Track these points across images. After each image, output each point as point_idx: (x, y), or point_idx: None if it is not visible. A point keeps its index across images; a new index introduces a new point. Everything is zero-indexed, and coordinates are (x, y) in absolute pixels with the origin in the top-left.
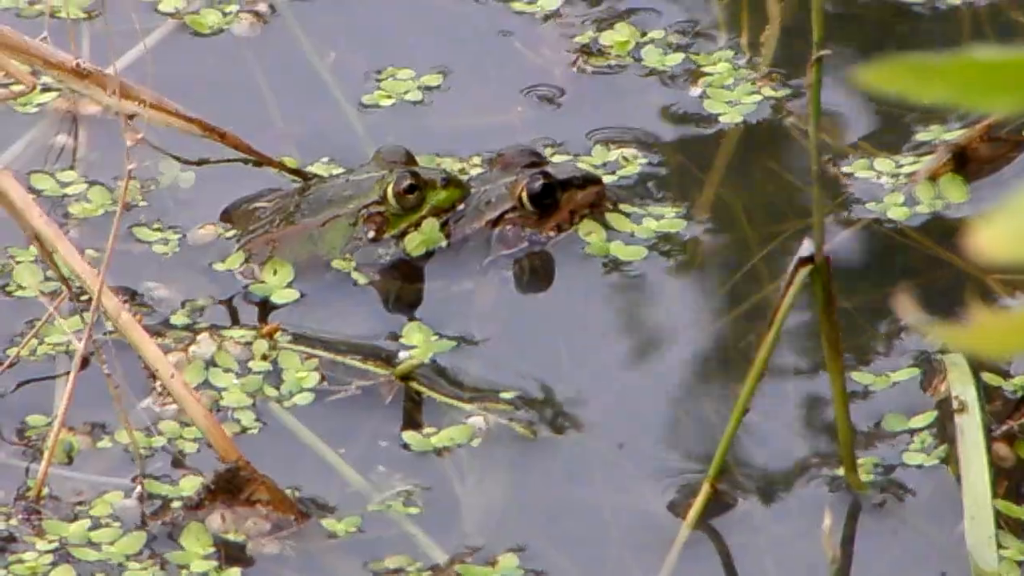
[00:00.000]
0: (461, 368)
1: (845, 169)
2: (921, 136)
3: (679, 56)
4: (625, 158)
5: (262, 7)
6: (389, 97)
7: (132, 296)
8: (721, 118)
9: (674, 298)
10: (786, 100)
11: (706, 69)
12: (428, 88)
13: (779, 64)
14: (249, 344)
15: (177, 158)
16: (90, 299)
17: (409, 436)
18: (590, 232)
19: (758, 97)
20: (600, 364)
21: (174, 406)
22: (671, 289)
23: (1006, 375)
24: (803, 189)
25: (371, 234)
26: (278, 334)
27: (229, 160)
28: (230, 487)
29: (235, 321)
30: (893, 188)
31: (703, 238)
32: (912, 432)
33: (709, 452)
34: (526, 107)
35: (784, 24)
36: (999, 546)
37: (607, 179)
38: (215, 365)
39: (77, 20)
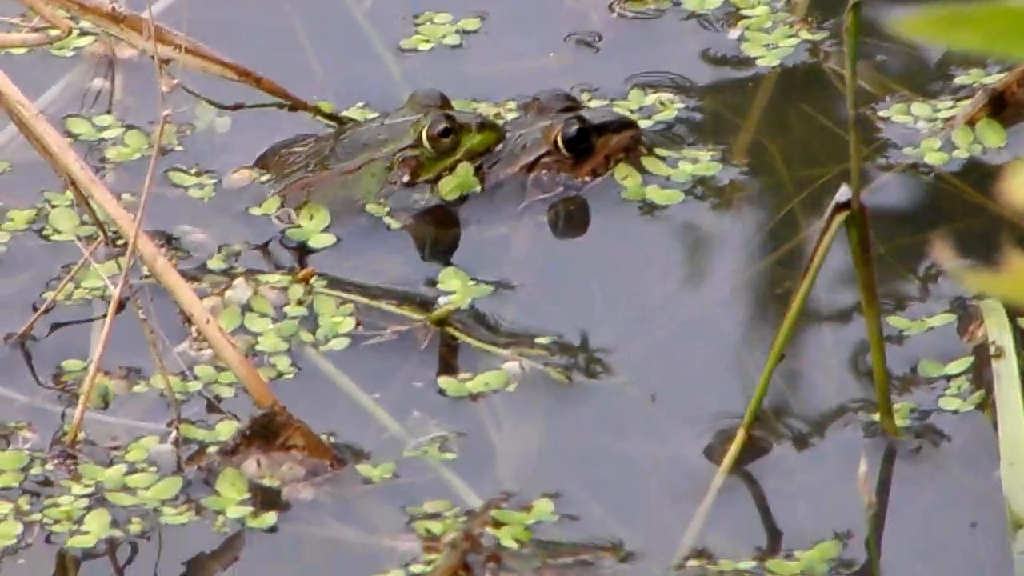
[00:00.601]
0: (497, 313)
1: (882, 114)
2: (959, 80)
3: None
4: (662, 102)
5: None
6: (427, 41)
7: (168, 241)
8: (759, 61)
9: (710, 243)
10: (823, 43)
11: (745, 12)
12: (466, 32)
13: (817, 8)
14: (285, 289)
15: (212, 103)
16: (126, 244)
17: (445, 381)
18: (626, 176)
19: (795, 40)
20: (636, 310)
21: (210, 351)
22: (707, 234)
23: None
24: (840, 134)
25: (406, 178)
26: (314, 279)
27: (265, 105)
28: (266, 432)
29: (271, 266)
30: (930, 133)
31: (740, 182)
32: (948, 378)
33: (745, 398)
34: (563, 53)
35: None
36: None
37: (643, 124)
38: (251, 310)
39: None
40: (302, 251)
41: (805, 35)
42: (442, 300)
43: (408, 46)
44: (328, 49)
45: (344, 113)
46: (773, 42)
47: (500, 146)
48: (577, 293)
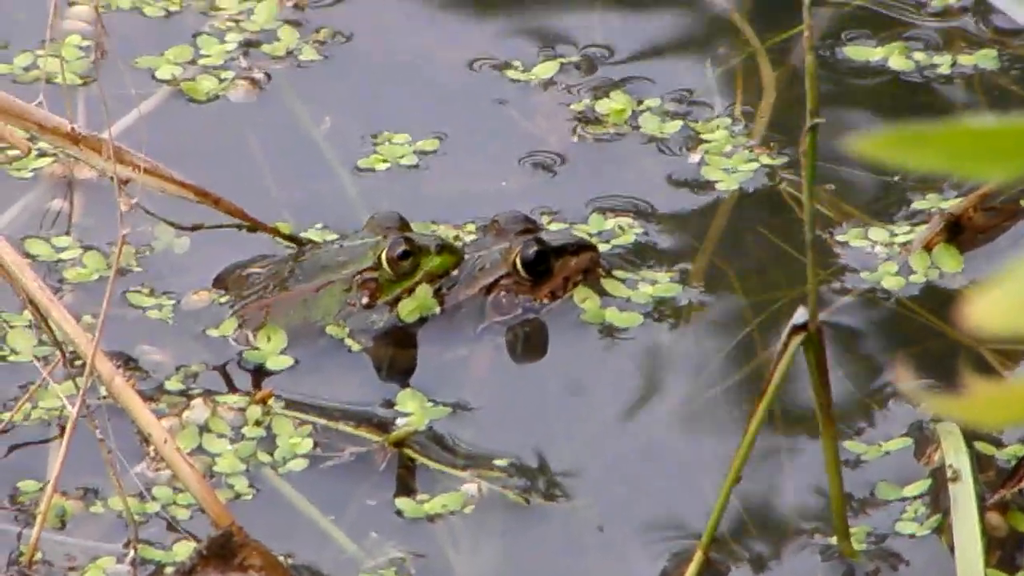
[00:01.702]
0: (455, 435)
1: (840, 238)
2: (916, 205)
3: (677, 124)
4: (621, 227)
5: (257, 74)
6: (384, 161)
7: (126, 361)
8: (718, 185)
9: (669, 365)
10: (782, 168)
11: (704, 136)
12: (424, 153)
13: (776, 131)
14: (243, 410)
15: (171, 223)
16: (84, 364)
17: (402, 503)
18: (585, 299)
19: (754, 165)
20: (594, 431)
21: (167, 471)
22: (666, 356)
23: (999, 444)
24: (798, 257)
25: (365, 300)
26: (271, 400)
27: (223, 225)
28: (223, 553)
29: (229, 387)
30: (887, 257)
31: (698, 304)
32: (905, 501)
33: (703, 520)
34: (521, 176)
35: (780, 91)
36: None
37: (603, 247)
38: (209, 431)
39: (73, 86)
40: (260, 372)
41: (765, 159)
42: (400, 422)
43: (366, 166)
44: (286, 169)
45: (303, 234)
46: (732, 166)
47: (459, 268)
48: (535, 415)
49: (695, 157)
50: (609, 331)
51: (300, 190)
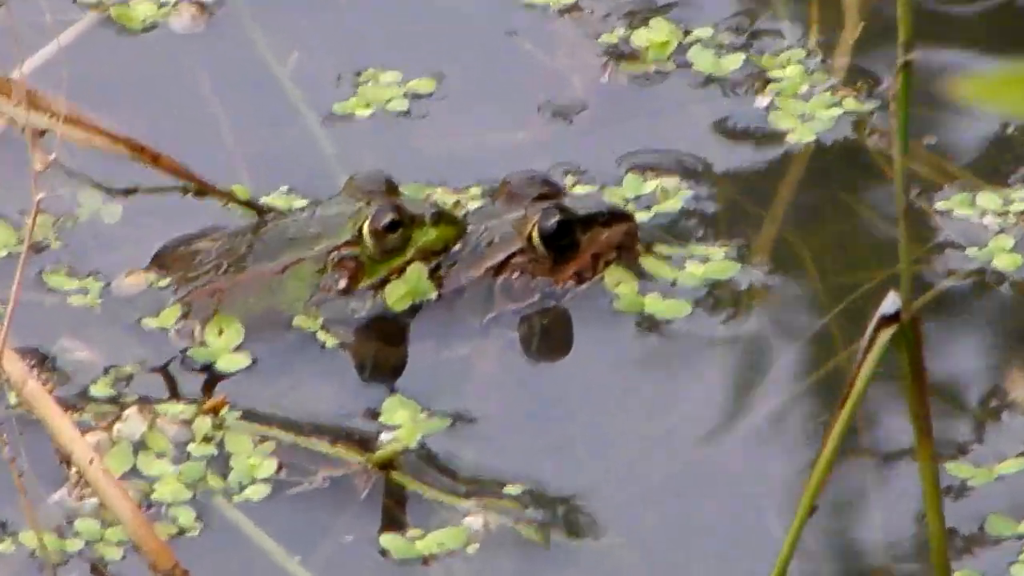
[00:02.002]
0: (455, 455)
1: (941, 205)
2: None
3: (737, 58)
4: (664, 189)
5: None
6: (367, 107)
7: (42, 360)
8: (789, 137)
9: (723, 367)
10: (870, 115)
11: (772, 74)
12: (417, 96)
13: (863, 69)
14: (188, 422)
15: (99, 186)
16: None
17: (388, 540)
18: (619, 282)
19: (836, 111)
20: (629, 451)
21: (94, 500)
22: (719, 355)
23: None
24: (888, 230)
25: (342, 283)
26: (225, 410)
27: (164, 189)
28: None
29: (171, 393)
30: (1001, 229)
31: (762, 289)
32: (1022, 538)
33: (767, 562)
34: (538, 126)
35: (866, 17)
36: None
37: (641, 216)
38: (146, 448)
39: None
40: (210, 374)
41: (849, 104)
42: (386, 437)
43: (343, 112)
44: (243, 118)
45: (264, 200)
46: (808, 112)
47: (461, 243)
48: (556, 429)
49: (761, 101)
50: (649, 323)
51: (261, 144)
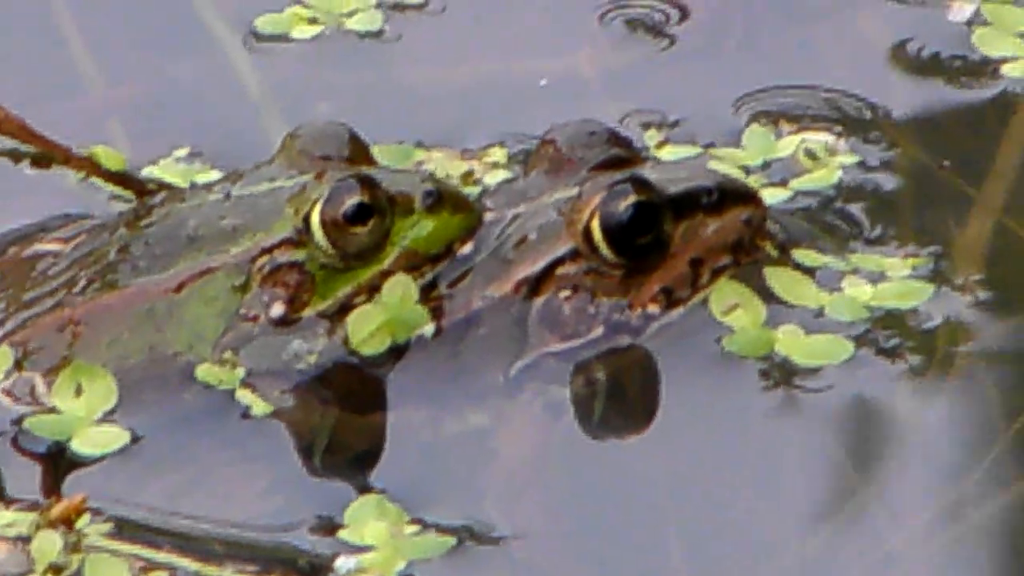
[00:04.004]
0: None
1: None
2: None
3: None
4: (811, 152)
5: None
6: (313, 23)
7: None
8: (1006, 67)
9: (905, 449)
10: None
11: None
12: (400, 6)
13: None
14: (26, 541)
15: None
16: None
17: None
18: (734, 306)
19: None
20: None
21: None
22: (900, 430)
23: None
24: None
25: (278, 310)
26: (84, 520)
27: None
28: None
29: None
30: None
31: (972, 321)
32: None
33: None
34: (601, 46)
35: None
36: None
37: (772, 197)
38: None
39: None
40: (62, 460)
41: None
42: (346, 566)
43: (273, 30)
44: (116, 39)
45: (149, 171)
46: None
47: (473, 242)
48: (627, 553)
49: (958, 11)
50: (781, 374)
51: (143, 83)
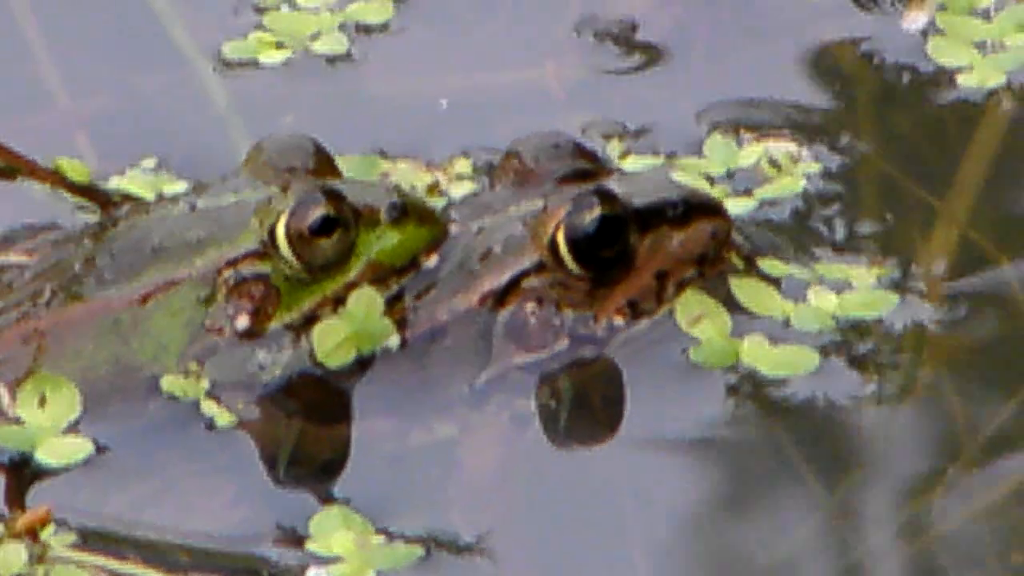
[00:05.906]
0: None
1: None
2: None
3: None
4: (774, 161)
5: None
6: (279, 48)
7: None
8: (961, 78)
9: (872, 462)
10: None
11: None
12: (364, 28)
13: None
14: None
15: None
16: None
17: None
18: (698, 316)
19: None
20: None
21: None
22: (867, 442)
23: None
24: None
25: (243, 322)
26: (49, 531)
27: None
28: None
29: None
30: None
31: (935, 336)
32: None
33: None
34: (569, 59)
35: None
36: None
37: (736, 208)
38: None
39: None
40: (26, 472)
41: None
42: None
43: (241, 56)
44: (85, 55)
45: (113, 184)
46: (994, 38)
47: (439, 254)
48: (597, 555)
49: (914, 19)
50: (748, 385)
51: (112, 95)
